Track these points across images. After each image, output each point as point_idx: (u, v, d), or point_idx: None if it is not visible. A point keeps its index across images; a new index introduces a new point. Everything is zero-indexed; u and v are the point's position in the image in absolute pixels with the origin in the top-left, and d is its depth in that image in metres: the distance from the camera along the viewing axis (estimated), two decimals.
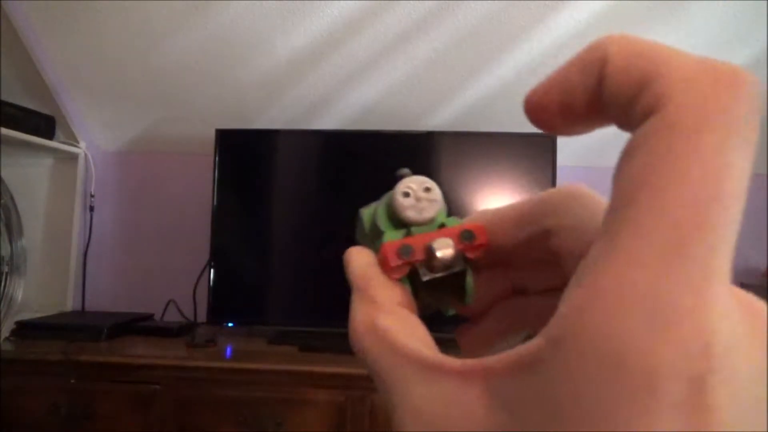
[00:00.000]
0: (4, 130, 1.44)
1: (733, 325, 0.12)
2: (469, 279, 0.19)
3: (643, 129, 0.13)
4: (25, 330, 1.44)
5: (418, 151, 1.56)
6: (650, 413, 0.11)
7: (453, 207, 0.20)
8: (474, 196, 1.52)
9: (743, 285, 0.13)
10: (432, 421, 0.14)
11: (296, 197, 1.61)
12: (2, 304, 1.54)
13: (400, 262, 0.18)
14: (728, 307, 0.12)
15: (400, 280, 0.19)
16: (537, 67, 1.54)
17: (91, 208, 1.82)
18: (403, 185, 0.20)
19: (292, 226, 1.61)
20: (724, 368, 0.11)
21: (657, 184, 0.12)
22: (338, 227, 1.58)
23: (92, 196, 1.82)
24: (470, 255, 0.19)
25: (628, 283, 0.12)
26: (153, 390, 1.29)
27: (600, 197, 0.18)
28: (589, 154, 1.74)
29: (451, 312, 0.21)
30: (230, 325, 1.60)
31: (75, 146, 1.74)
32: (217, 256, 1.59)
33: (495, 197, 1.52)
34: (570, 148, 1.73)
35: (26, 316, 1.53)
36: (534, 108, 0.16)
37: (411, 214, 0.19)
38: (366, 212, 0.21)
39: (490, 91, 1.61)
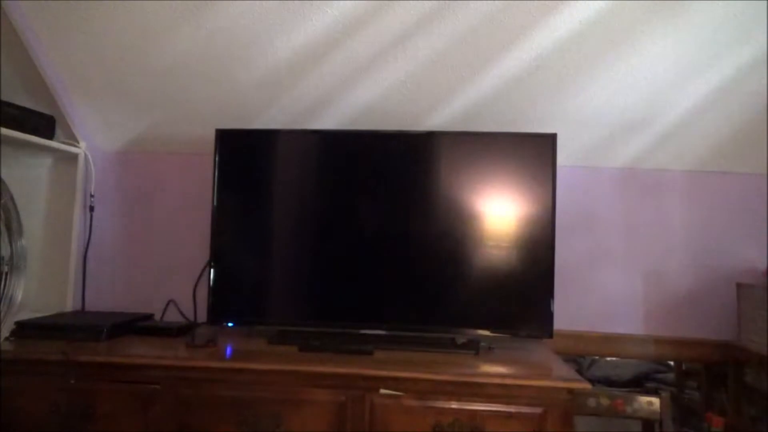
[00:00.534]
0: (4, 130, 1.44)
1: None
2: None
3: None
4: (24, 330, 1.45)
5: (418, 151, 1.56)
6: None
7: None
8: (474, 196, 1.52)
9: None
10: None
11: (296, 197, 1.61)
12: (2, 304, 1.54)
13: None
14: None
15: None
16: (537, 67, 1.54)
17: (91, 208, 1.82)
18: None
19: (292, 226, 1.61)
20: None
21: None
22: (338, 227, 1.59)
23: (92, 196, 1.82)
24: None
25: None
26: (153, 390, 1.29)
27: None
28: (589, 154, 1.74)
29: None
30: (230, 325, 1.60)
31: (75, 146, 1.74)
32: (217, 256, 1.60)
33: (495, 197, 1.52)
34: (570, 148, 1.73)
35: (26, 316, 1.53)
36: None
37: None
38: None
39: (490, 91, 1.61)
